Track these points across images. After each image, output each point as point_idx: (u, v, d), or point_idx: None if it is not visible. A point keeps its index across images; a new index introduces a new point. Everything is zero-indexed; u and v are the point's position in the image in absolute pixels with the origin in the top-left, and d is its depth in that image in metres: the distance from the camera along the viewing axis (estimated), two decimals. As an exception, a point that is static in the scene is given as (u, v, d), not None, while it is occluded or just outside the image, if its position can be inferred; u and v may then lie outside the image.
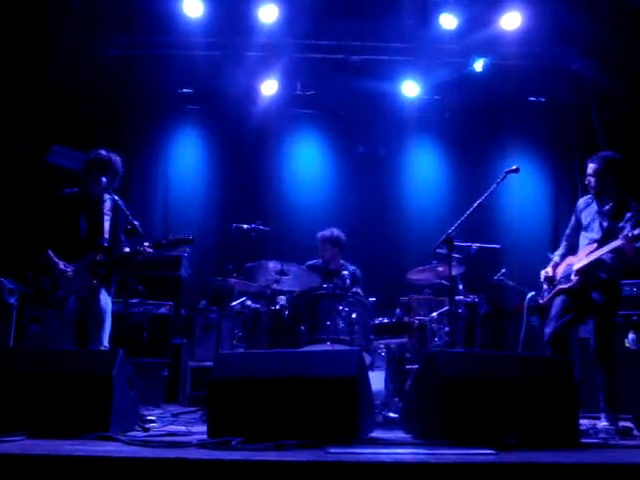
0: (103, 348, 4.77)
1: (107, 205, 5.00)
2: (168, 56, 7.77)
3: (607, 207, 4.69)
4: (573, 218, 4.97)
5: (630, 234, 4.32)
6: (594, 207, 4.79)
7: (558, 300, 4.78)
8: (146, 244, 4.89)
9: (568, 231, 5.03)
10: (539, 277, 5.00)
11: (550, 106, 8.38)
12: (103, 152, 4.96)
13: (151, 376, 6.30)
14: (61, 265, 4.71)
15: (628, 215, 4.53)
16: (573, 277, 4.70)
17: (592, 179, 4.72)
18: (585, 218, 4.83)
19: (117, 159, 4.96)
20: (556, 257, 4.98)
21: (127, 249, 4.96)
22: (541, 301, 4.97)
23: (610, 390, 4.52)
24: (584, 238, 4.79)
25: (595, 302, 4.59)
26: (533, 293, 5.47)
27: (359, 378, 3.64)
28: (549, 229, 8.33)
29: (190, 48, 7.61)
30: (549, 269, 4.92)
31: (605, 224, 4.66)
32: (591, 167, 4.73)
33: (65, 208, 4.86)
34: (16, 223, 6.38)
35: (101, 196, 4.98)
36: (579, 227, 4.88)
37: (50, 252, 4.71)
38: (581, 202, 4.93)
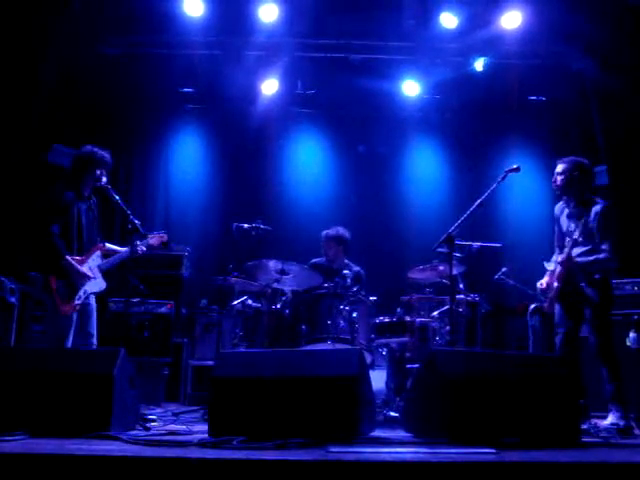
0: (95, 342, 4.86)
1: (94, 201, 5.03)
2: (168, 55, 7.76)
3: (575, 209, 4.88)
4: (555, 225, 5.11)
5: (559, 258, 4.76)
6: (565, 210, 4.97)
7: (557, 308, 4.91)
8: (139, 243, 4.99)
9: (555, 237, 5.14)
10: (539, 278, 5.05)
11: (550, 105, 8.37)
12: (96, 149, 4.95)
13: (152, 375, 6.31)
14: (83, 269, 4.75)
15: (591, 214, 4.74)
16: (555, 284, 4.84)
17: (559, 177, 4.90)
18: (563, 223, 4.99)
19: (107, 154, 4.99)
20: (551, 265, 5.04)
21: (125, 248, 4.99)
22: (544, 310, 5.08)
23: (617, 385, 4.58)
24: (567, 240, 4.89)
25: (589, 298, 4.69)
26: (536, 304, 5.76)
27: (360, 377, 3.64)
28: (549, 228, 8.29)
29: (190, 47, 7.60)
30: (543, 280, 5.01)
31: (576, 223, 4.82)
32: (560, 167, 4.91)
33: (70, 211, 4.84)
34: (18, 222, 6.39)
35: (90, 193, 4.99)
36: (561, 231, 5.02)
37: (69, 258, 4.72)
38: (556, 209, 5.09)
